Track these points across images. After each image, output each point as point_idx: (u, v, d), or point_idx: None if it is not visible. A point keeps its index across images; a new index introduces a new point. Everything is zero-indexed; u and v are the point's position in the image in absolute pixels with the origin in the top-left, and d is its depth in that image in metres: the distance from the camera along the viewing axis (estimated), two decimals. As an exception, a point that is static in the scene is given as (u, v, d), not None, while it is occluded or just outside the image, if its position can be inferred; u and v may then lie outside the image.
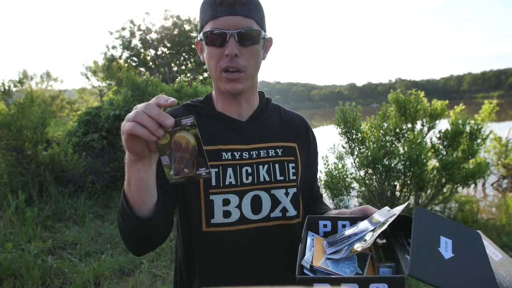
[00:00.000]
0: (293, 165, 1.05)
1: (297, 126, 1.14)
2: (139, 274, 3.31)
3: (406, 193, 4.48)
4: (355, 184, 4.95)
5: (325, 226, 0.90)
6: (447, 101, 4.47)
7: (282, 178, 1.03)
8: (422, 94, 4.47)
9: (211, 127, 1.02)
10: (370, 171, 4.42)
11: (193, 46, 20.00)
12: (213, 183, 0.97)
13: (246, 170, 1.00)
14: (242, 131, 1.04)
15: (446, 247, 0.68)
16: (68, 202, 5.03)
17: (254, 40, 0.95)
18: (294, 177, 1.05)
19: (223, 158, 0.99)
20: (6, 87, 6.72)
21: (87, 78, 30.40)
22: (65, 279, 3.19)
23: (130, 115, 0.70)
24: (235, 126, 1.04)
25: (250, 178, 1.00)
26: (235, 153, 1.00)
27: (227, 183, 0.98)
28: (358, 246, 0.75)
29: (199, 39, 1.00)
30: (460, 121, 4.27)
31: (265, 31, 0.99)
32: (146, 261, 3.52)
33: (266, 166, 1.02)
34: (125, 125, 0.70)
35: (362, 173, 4.55)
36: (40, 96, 25.84)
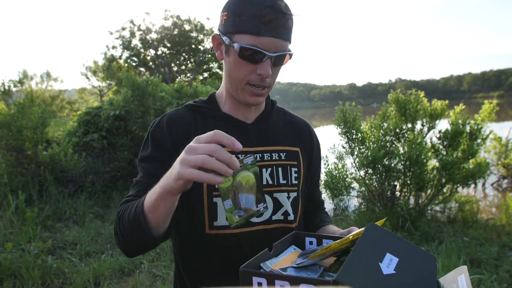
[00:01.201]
0: (296, 169, 1.06)
1: (300, 130, 1.14)
2: (139, 274, 3.31)
3: (406, 193, 4.48)
4: (355, 184, 4.95)
5: (311, 243, 0.91)
6: (447, 101, 4.47)
7: (284, 182, 1.03)
8: (422, 94, 4.47)
9: (215, 129, 1.02)
10: (370, 171, 4.42)
11: (193, 46, 20.01)
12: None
13: None
14: (248, 133, 1.03)
15: (389, 264, 0.67)
16: (68, 202, 5.03)
17: (283, 62, 0.96)
18: (296, 182, 1.05)
19: None
20: (6, 87, 6.72)
21: (87, 78, 30.46)
22: (65, 279, 3.19)
23: (193, 158, 0.68)
24: (240, 128, 1.03)
25: None
26: (239, 155, 1.00)
27: None
28: (312, 256, 0.77)
29: (226, 42, 0.93)
30: (460, 121, 4.26)
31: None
32: (146, 261, 3.52)
33: (269, 169, 1.02)
34: (187, 172, 0.68)
35: (362, 173, 4.55)
36: (40, 96, 25.85)
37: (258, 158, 1.02)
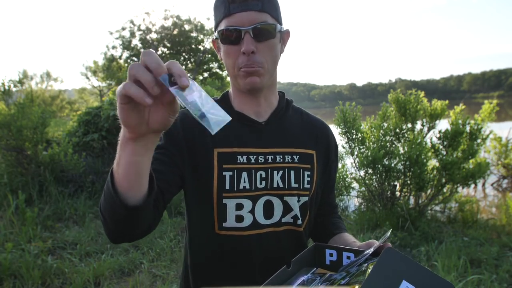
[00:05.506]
0: (309, 173, 1.03)
1: (317, 132, 1.10)
2: (139, 274, 3.31)
3: (406, 193, 4.48)
4: (355, 184, 4.95)
5: (331, 255, 0.91)
6: (447, 101, 4.47)
7: (296, 185, 1.01)
8: (422, 94, 4.47)
9: (227, 128, 1.02)
10: (370, 171, 4.42)
11: (193, 46, 20.01)
12: (227, 186, 0.95)
13: (260, 175, 0.98)
14: (260, 133, 1.01)
15: None
16: (68, 202, 5.03)
17: (270, 35, 0.93)
18: (308, 186, 1.03)
19: (238, 161, 0.97)
20: (6, 87, 6.72)
21: (87, 78, 30.36)
22: (65, 279, 3.19)
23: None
24: (253, 128, 1.01)
25: (263, 183, 0.98)
26: (251, 156, 0.98)
27: (241, 187, 0.96)
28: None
29: (214, 37, 0.99)
30: (460, 121, 4.26)
31: (281, 24, 0.97)
32: (146, 261, 3.52)
33: (281, 172, 1.00)
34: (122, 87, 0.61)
35: (362, 173, 4.55)
36: (40, 96, 25.82)
37: (270, 160, 0.99)
